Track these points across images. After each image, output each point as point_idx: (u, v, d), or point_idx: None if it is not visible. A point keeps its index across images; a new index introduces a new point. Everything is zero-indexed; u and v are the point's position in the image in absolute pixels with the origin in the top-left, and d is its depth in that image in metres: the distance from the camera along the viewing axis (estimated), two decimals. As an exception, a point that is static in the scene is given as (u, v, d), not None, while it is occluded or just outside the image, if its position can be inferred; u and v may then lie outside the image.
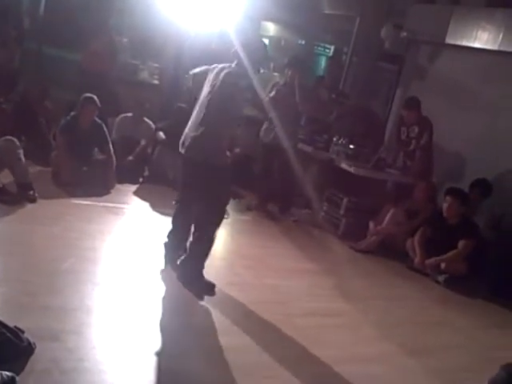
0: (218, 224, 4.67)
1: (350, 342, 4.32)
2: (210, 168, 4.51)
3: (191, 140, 4.57)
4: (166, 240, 4.96)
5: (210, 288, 4.59)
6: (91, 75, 8.27)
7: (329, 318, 4.61)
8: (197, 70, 4.96)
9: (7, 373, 2.81)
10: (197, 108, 4.68)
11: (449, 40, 7.69)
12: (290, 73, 7.03)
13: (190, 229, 4.82)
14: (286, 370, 3.71)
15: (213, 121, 4.54)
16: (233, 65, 4.69)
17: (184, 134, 4.68)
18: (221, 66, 4.75)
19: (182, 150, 4.66)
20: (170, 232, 4.97)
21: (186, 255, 4.72)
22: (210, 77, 4.71)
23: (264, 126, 7.15)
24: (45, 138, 7.26)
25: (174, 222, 4.98)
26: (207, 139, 4.52)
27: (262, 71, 5.09)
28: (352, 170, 6.98)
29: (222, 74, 4.62)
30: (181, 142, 4.68)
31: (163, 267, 4.86)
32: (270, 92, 6.98)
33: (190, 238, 4.76)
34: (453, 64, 7.77)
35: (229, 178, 4.73)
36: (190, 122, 4.69)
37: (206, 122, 4.54)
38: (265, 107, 6.81)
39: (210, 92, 4.62)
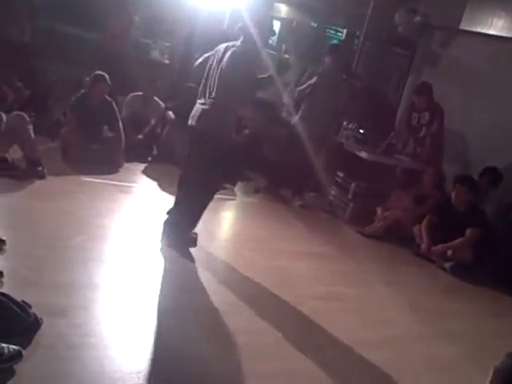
0: (204, 192, 4.82)
1: (355, 327, 4.32)
2: (212, 140, 4.66)
3: (200, 113, 4.73)
4: (167, 216, 5.05)
5: (193, 241, 4.91)
6: (110, 54, 8.27)
7: (334, 301, 4.62)
8: (199, 60, 5.04)
9: (14, 346, 2.84)
10: (205, 83, 4.78)
11: (463, 26, 7.60)
12: (329, 60, 6.95)
13: None
14: (289, 352, 3.72)
15: (221, 96, 4.67)
16: (238, 42, 4.73)
17: (195, 107, 4.82)
18: (226, 44, 4.83)
19: (191, 122, 4.80)
20: (172, 208, 5.08)
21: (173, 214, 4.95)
22: (218, 54, 4.80)
23: (299, 114, 7.01)
24: (51, 112, 7.28)
25: (176, 197, 5.10)
26: (215, 113, 4.68)
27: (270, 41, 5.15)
28: (362, 154, 6.96)
29: (229, 52, 4.72)
30: (191, 114, 4.83)
31: (160, 241, 4.92)
32: (308, 79, 6.92)
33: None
34: (466, 50, 7.69)
35: (229, 152, 4.82)
36: (199, 96, 4.82)
37: (215, 97, 4.68)
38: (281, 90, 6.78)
39: (218, 69, 4.72)
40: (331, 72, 6.93)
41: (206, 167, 4.75)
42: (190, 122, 4.84)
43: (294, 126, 7.00)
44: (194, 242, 4.95)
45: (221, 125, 4.69)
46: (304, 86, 6.90)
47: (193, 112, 4.83)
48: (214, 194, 4.94)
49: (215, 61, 4.78)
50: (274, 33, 5.24)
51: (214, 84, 4.71)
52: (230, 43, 4.82)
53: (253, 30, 4.65)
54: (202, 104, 4.75)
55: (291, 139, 7.03)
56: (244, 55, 4.67)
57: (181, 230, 4.88)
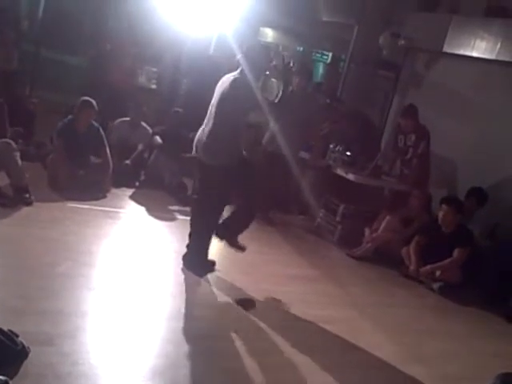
0: (211, 217, 5.02)
1: (344, 349, 4.31)
2: (217, 168, 4.83)
3: (203, 145, 4.89)
4: (188, 241, 5.15)
5: (210, 266, 5.14)
6: (118, 91, 8.35)
7: (324, 324, 4.59)
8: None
9: (1, 377, 2.81)
10: (208, 115, 4.96)
11: (446, 49, 7.71)
12: (297, 80, 7.01)
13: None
14: (279, 376, 3.71)
15: (221, 128, 4.82)
16: (236, 73, 4.85)
17: (196, 138, 5.00)
18: (227, 75, 4.96)
19: (195, 153, 5.01)
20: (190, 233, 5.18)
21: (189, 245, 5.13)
22: (219, 85, 4.95)
23: (268, 134, 7.07)
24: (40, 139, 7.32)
25: (191, 223, 5.20)
26: (216, 144, 4.82)
27: (267, 73, 5.28)
28: (349, 176, 6.99)
29: (227, 84, 4.84)
30: (194, 145, 5.01)
31: (182, 267, 5.07)
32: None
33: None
34: (450, 73, 7.79)
35: (229, 177, 4.88)
36: (201, 128, 4.99)
37: (215, 128, 4.83)
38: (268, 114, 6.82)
39: (216, 101, 4.87)
40: (299, 92, 7.01)
41: (208, 193, 4.94)
42: (193, 151, 5.02)
43: (265, 148, 7.06)
44: (212, 266, 5.17)
45: (219, 153, 4.81)
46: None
47: (195, 143, 4.99)
48: (217, 217, 5.07)
49: (216, 91, 4.92)
50: (269, 61, 5.30)
51: (212, 114, 4.85)
52: (230, 74, 4.93)
53: (244, 61, 4.80)
54: (204, 135, 4.89)
55: (267, 162, 7.03)
56: (242, 84, 4.76)
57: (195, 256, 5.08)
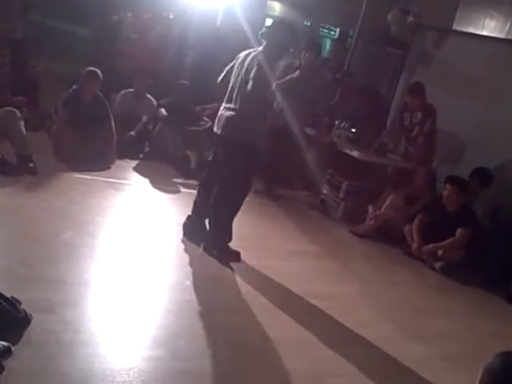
0: (234, 201, 4.87)
1: (346, 326, 4.32)
2: (238, 146, 4.70)
3: (225, 120, 4.76)
4: (190, 213, 5.10)
5: (236, 256, 4.89)
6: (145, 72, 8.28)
7: (325, 300, 4.60)
8: (223, 74, 5.03)
9: (3, 342, 2.84)
10: (229, 90, 4.82)
11: (456, 26, 7.63)
12: (306, 56, 6.97)
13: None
14: (280, 351, 3.72)
15: (245, 103, 4.69)
16: (260, 48, 4.77)
17: (219, 113, 4.87)
18: (248, 51, 4.86)
19: (216, 129, 4.85)
20: (194, 206, 5.10)
21: (209, 228, 5.00)
22: (239, 61, 4.83)
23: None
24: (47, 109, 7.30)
25: (197, 197, 5.13)
26: (240, 120, 4.70)
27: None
28: (354, 153, 6.96)
29: (251, 58, 4.73)
30: (216, 120, 4.89)
31: (182, 238, 5.04)
32: (284, 74, 6.90)
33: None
34: (459, 51, 7.72)
35: (254, 157, 4.85)
36: (223, 103, 4.87)
37: (239, 104, 4.71)
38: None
39: (240, 76, 4.75)
40: (308, 67, 6.98)
41: (232, 173, 4.76)
42: (214, 128, 4.90)
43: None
44: (237, 256, 4.92)
45: (245, 132, 4.69)
46: (286, 78, 6.86)
47: (217, 118, 4.88)
48: (242, 198, 4.94)
49: (237, 68, 4.81)
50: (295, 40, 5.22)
51: (236, 91, 4.73)
52: (252, 49, 4.85)
53: (274, 40, 4.73)
54: (226, 110, 4.78)
55: (274, 138, 7.00)
56: (266, 61, 4.67)
57: (218, 243, 4.92)
